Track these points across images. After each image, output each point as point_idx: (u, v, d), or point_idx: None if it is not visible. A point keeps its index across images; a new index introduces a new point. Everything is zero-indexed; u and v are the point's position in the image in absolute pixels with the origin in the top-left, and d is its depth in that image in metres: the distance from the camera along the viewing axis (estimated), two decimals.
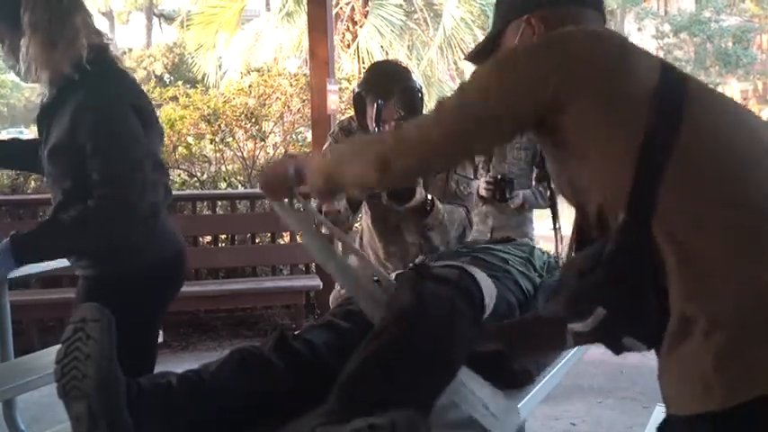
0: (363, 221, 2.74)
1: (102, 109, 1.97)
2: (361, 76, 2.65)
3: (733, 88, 19.63)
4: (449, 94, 1.32)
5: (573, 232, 1.31)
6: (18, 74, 2.07)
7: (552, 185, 1.37)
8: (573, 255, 1.29)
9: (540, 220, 4.43)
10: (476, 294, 1.66)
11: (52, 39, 1.93)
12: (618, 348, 1.21)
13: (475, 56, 1.50)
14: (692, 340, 1.07)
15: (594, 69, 1.18)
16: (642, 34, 20.15)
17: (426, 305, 1.51)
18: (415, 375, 1.41)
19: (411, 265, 2.24)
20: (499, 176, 3.93)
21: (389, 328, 1.48)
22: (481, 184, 3.94)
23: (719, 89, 1.36)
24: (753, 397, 1.03)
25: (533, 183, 4.14)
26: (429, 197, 2.41)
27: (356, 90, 2.58)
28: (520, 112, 1.22)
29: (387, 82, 2.48)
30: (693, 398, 1.08)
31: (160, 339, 2.30)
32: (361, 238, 2.86)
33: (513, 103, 1.22)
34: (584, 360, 3.03)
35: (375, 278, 1.79)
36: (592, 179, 1.20)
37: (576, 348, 1.99)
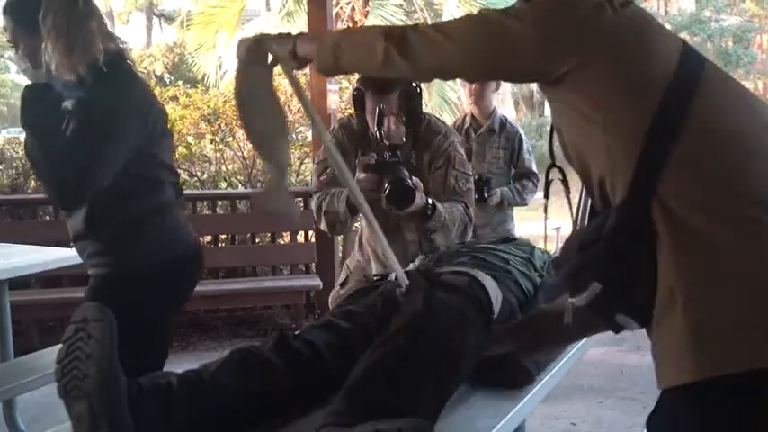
0: (363, 219, 2.73)
1: (104, 107, 2.02)
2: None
3: None
4: (490, 13, 1.28)
5: (579, 205, 1.31)
6: (31, 77, 2.11)
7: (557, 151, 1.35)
8: (577, 228, 1.29)
9: (534, 221, 4.45)
10: (485, 303, 1.66)
11: (70, 43, 1.99)
12: (613, 326, 1.23)
13: None
14: (673, 313, 1.10)
15: (616, 42, 1.19)
16: None
17: (436, 314, 1.51)
18: (422, 384, 1.41)
19: (414, 266, 2.25)
20: (476, 177, 3.95)
21: (398, 334, 1.48)
22: None
23: None
24: (734, 371, 1.05)
25: (511, 181, 4.17)
26: (429, 202, 2.41)
27: (355, 86, 2.60)
28: (545, 66, 1.22)
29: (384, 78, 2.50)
30: (672, 369, 1.11)
31: None
32: (361, 237, 2.86)
33: (542, 56, 1.21)
34: (584, 360, 3.03)
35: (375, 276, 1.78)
36: (594, 148, 1.20)
37: (576, 348, 2.00)
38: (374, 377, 1.41)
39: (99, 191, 2.03)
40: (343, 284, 2.85)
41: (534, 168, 4.23)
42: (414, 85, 2.54)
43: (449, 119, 8.33)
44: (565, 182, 1.33)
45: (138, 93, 2.10)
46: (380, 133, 2.42)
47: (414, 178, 2.32)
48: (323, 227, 2.63)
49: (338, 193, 2.53)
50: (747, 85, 21.31)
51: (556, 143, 1.34)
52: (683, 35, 19.19)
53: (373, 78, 2.51)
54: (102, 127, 2.00)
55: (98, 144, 1.99)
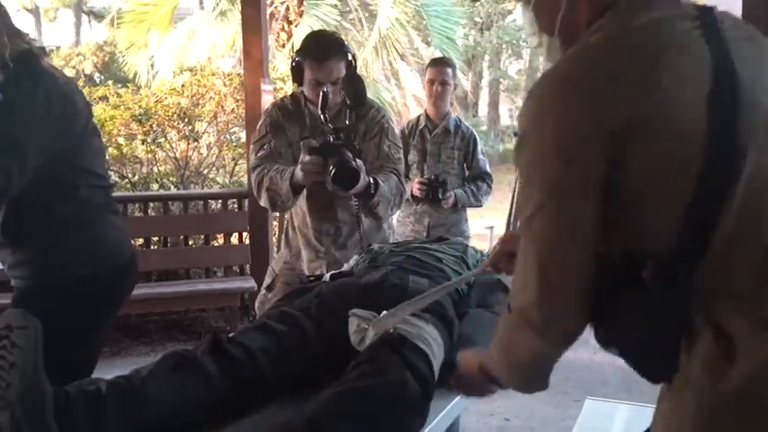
0: (298, 205, 2.75)
1: (8, 106, 1.91)
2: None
3: None
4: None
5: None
6: None
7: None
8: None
9: (474, 219, 4.51)
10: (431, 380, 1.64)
11: None
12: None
13: None
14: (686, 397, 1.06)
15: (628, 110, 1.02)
16: None
17: (404, 395, 1.50)
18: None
19: (349, 266, 2.25)
20: (433, 177, 3.99)
21: (378, 392, 1.47)
22: (415, 185, 3.99)
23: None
24: None
25: (465, 182, 4.20)
26: (372, 180, 2.45)
27: (294, 58, 2.65)
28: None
29: (322, 46, 2.60)
30: None
31: None
32: (287, 233, 2.86)
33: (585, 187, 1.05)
34: None
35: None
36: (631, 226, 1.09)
37: None
38: (336, 411, 1.41)
39: (10, 196, 1.92)
40: (269, 288, 2.85)
41: (488, 169, 4.27)
42: (350, 57, 2.60)
43: None
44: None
45: (50, 91, 1.99)
46: (325, 116, 2.45)
47: (358, 160, 2.36)
48: (263, 203, 2.65)
49: (281, 171, 2.54)
50: None
51: None
52: None
53: (310, 47, 2.60)
54: (4, 127, 1.89)
55: (2, 146, 1.89)
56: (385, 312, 1.70)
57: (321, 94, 2.44)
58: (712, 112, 1.01)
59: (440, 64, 4.17)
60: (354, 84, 2.47)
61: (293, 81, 2.70)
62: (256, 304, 2.93)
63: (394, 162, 2.67)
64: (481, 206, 4.35)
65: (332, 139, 2.39)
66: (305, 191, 2.61)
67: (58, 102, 1.99)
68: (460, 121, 4.26)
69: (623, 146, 1.02)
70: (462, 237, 4.04)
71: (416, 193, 4.00)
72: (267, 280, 2.90)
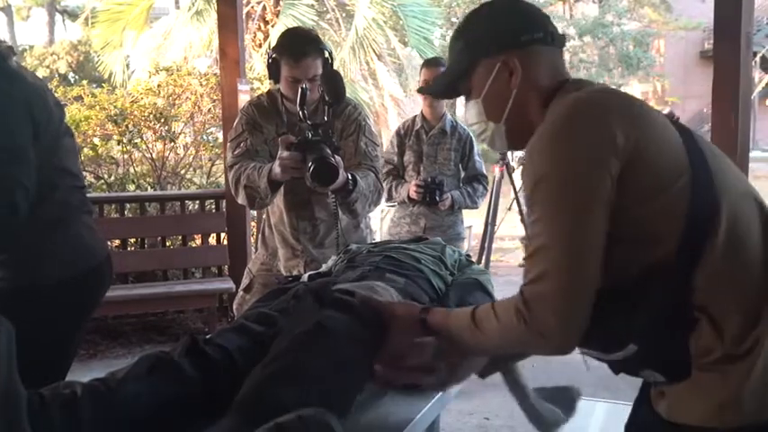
0: (275, 204, 2.74)
1: None
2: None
3: (634, 89, 20.48)
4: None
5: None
6: None
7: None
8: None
9: None
10: (370, 319, 1.62)
11: None
12: (629, 373, 1.30)
13: (437, 92, 1.55)
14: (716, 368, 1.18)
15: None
16: None
17: (325, 332, 1.51)
18: (309, 401, 1.39)
19: (328, 267, 2.24)
20: (429, 179, 3.99)
21: (287, 354, 1.47)
22: (412, 188, 3.99)
23: (622, 90, 1.46)
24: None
25: (461, 183, 4.20)
26: (350, 176, 2.44)
27: (271, 55, 2.63)
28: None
29: (299, 43, 2.60)
30: (708, 413, 1.19)
31: None
32: (264, 232, 2.85)
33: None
34: None
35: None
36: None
37: None
38: (263, 397, 1.39)
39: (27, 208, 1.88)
40: (247, 289, 2.84)
41: (483, 171, 4.26)
42: (327, 55, 2.60)
43: None
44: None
45: (26, 92, 1.96)
46: (303, 113, 2.44)
47: (336, 156, 2.35)
48: (241, 200, 2.64)
49: (259, 168, 2.54)
50: (647, 86, 22.21)
51: None
52: (587, 38, 19.86)
53: (287, 44, 2.60)
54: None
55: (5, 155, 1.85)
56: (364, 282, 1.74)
57: (300, 90, 2.43)
58: (687, 147, 1.22)
59: (434, 64, 4.09)
60: (333, 80, 2.46)
61: (269, 78, 2.70)
62: (234, 305, 2.92)
63: (371, 159, 2.68)
64: (477, 208, 4.34)
65: (310, 136, 2.38)
66: (282, 188, 2.61)
67: (35, 101, 1.97)
68: (457, 123, 4.23)
69: (629, 161, 1.18)
70: (458, 238, 4.06)
71: (413, 195, 3.99)
72: (245, 281, 2.89)
